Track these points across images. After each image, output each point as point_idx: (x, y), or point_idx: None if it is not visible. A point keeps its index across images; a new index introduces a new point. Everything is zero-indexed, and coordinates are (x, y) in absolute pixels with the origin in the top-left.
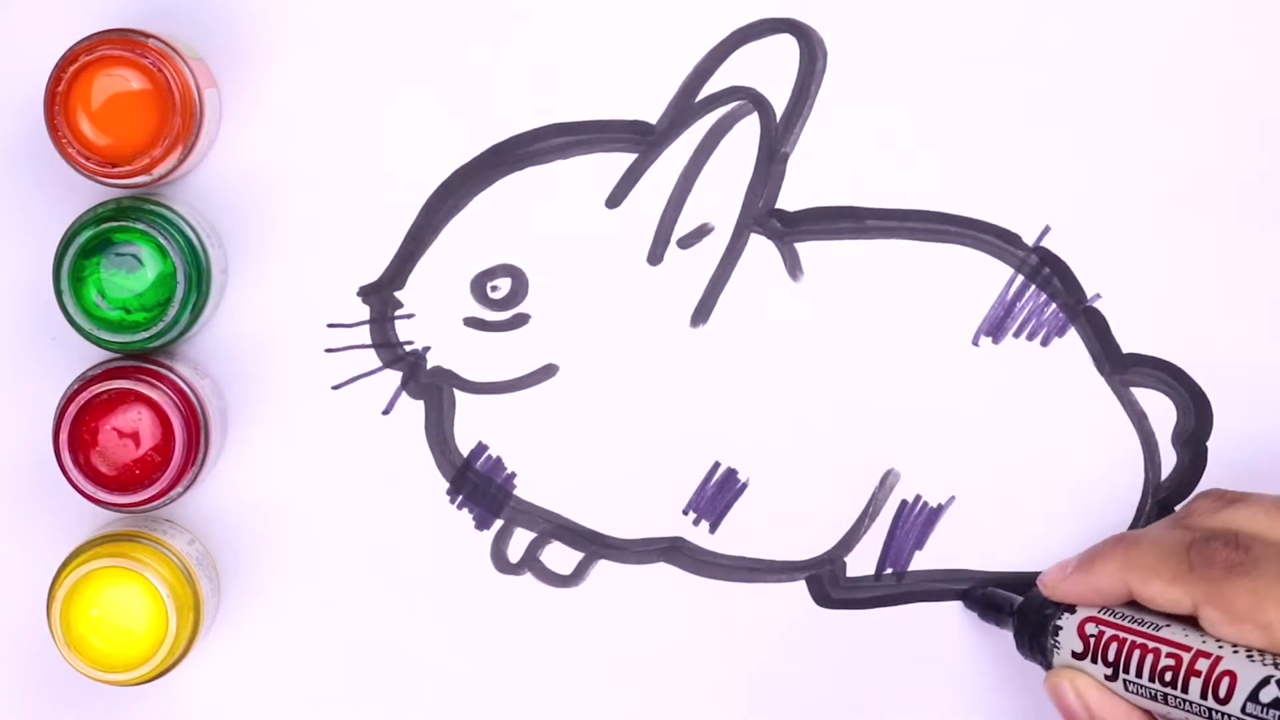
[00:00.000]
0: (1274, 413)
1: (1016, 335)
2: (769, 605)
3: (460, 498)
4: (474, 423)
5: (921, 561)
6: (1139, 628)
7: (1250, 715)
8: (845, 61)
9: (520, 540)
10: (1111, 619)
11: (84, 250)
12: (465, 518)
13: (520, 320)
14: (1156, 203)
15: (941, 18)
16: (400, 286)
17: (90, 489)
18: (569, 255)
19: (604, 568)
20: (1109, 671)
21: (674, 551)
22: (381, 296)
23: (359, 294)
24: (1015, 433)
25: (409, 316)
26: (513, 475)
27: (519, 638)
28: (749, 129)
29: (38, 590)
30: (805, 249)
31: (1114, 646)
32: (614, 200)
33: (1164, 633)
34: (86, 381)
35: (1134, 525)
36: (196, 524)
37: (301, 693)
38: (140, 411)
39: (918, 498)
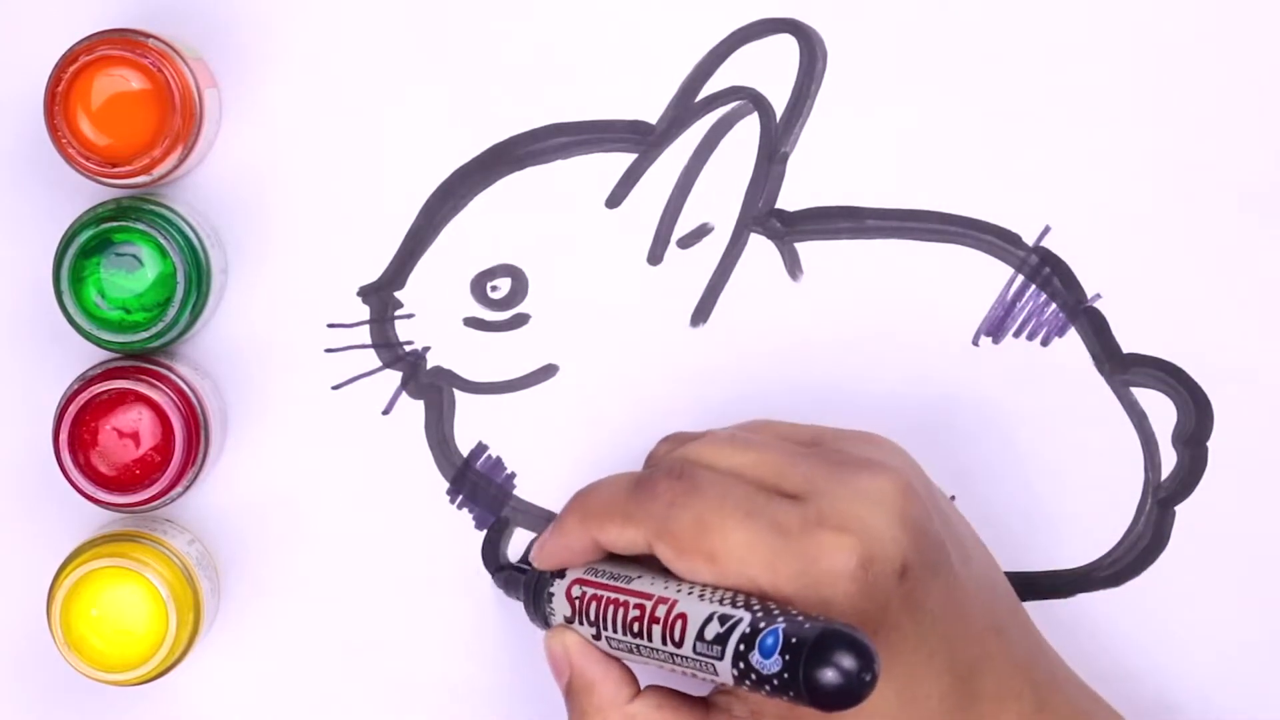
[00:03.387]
0: (1274, 413)
1: (1016, 335)
2: None
3: (460, 498)
4: (474, 423)
5: None
6: (613, 582)
7: (700, 655)
8: (845, 61)
9: (520, 540)
10: (593, 578)
11: (84, 250)
12: (465, 518)
13: (520, 320)
14: (1156, 203)
15: (941, 18)
16: (400, 286)
17: (90, 489)
18: (569, 255)
19: None
20: (593, 631)
21: None
22: (381, 296)
23: (359, 294)
24: (1015, 433)
25: (409, 316)
26: (513, 475)
27: (519, 638)
28: (749, 129)
29: (38, 590)
30: (805, 249)
31: (594, 606)
32: (614, 200)
33: (635, 584)
34: (86, 381)
35: (1135, 526)
36: (196, 524)
37: (301, 692)
38: (140, 411)
39: None
